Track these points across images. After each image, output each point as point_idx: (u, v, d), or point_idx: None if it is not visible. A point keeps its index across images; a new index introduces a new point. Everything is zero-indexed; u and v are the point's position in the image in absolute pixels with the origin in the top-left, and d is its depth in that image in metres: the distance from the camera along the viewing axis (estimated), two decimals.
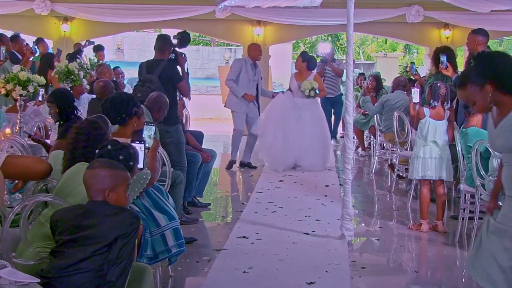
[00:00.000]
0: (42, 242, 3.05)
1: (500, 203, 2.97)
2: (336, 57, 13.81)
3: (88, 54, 11.78)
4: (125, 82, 10.61)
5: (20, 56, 8.50)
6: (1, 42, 7.69)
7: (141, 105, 4.79)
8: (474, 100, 2.87)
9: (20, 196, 4.10)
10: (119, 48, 20.78)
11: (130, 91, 8.20)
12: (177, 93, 6.22)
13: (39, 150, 5.40)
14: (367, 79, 10.49)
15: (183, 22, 12.58)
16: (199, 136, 7.02)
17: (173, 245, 3.97)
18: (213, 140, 10.24)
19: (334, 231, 5.50)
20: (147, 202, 3.98)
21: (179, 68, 6.26)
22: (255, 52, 8.88)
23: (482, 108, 2.90)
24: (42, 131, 6.27)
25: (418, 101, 6.30)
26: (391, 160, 8.47)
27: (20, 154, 4.74)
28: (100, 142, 3.35)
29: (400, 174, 7.74)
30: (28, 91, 5.86)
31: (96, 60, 11.17)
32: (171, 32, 7.97)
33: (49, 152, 4.37)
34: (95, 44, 11.52)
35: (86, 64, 9.87)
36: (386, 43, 26.28)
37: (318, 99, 9.20)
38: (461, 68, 8.27)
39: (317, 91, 8.63)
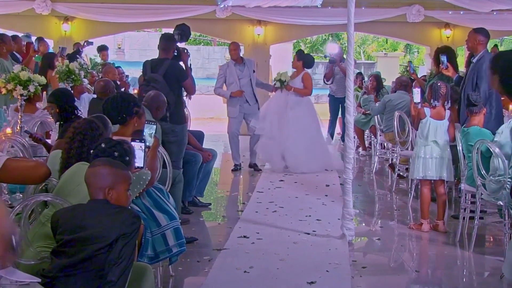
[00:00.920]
0: (43, 242, 3.05)
1: None
2: (345, 57, 13.73)
3: (90, 54, 11.77)
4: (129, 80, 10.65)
5: (19, 56, 8.48)
6: (2, 42, 7.66)
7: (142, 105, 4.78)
8: None
9: (21, 195, 4.10)
10: (119, 48, 20.79)
11: (135, 91, 8.21)
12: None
13: (39, 150, 5.39)
14: (365, 78, 10.46)
15: (183, 21, 12.51)
16: (199, 136, 7.01)
17: (174, 244, 3.97)
18: (213, 140, 10.24)
19: (334, 230, 5.50)
20: (148, 201, 3.98)
21: (182, 64, 6.22)
22: (230, 52, 8.89)
23: None
24: (44, 130, 6.24)
25: (419, 101, 6.28)
26: (392, 159, 8.46)
27: (20, 153, 4.73)
28: (96, 142, 3.33)
29: (401, 173, 7.74)
30: (29, 91, 5.84)
31: (98, 60, 11.16)
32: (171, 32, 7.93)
33: (50, 152, 4.36)
34: (93, 44, 11.50)
35: (87, 64, 9.85)
36: (386, 43, 26.27)
37: (309, 98, 9.12)
38: (461, 68, 8.26)
39: (285, 83, 8.61)
